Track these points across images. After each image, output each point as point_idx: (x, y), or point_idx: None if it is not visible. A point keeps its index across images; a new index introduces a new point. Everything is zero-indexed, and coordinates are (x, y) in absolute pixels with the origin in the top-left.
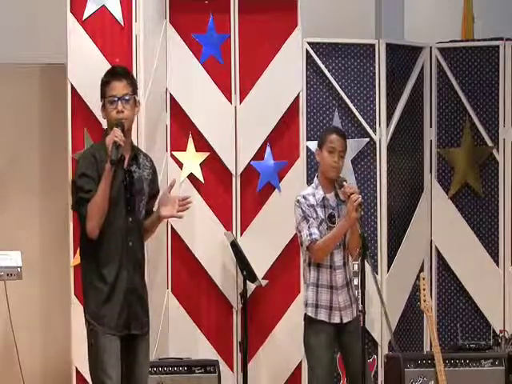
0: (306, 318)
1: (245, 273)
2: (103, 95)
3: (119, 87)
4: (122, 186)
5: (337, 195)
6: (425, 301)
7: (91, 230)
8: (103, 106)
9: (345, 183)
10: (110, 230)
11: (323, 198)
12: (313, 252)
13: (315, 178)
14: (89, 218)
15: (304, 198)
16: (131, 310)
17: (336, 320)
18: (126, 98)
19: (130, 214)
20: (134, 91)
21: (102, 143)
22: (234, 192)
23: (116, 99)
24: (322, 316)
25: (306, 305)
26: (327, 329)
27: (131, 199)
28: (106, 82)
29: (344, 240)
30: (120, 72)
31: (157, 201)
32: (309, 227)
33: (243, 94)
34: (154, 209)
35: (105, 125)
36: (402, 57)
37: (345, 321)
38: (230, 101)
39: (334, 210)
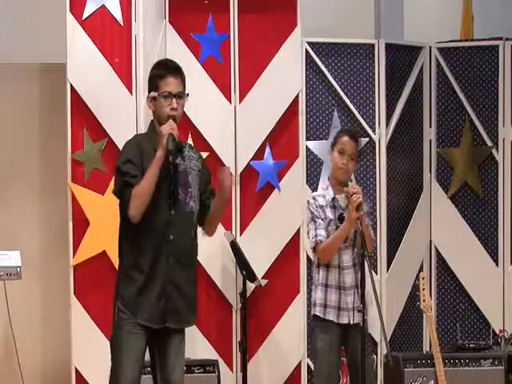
0: (314, 318)
1: (244, 272)
2: (155, 88)
3: (175, 84)
4: (165, 179)
5: (347, 196)
6: (424, 300)
7: (134, 214)
8: (153, 98)
9: (349, 183)
10: (150, 221)
11: (333, 199)
12: (317, 253)
13: (326, 180)
14: (133, 202)
15: (314, 198)
16: (169, 303)
17: (344, 321)
18: (181, 95)
19: (173, 206)
20: (185, 88)
21: (147, 134)
22: (234, 192)
23: (171, 96)
24: (331, 316)
25: (315, 305)
26: (335, 329)
27: (174, 192)
28: (160, 76)
29: (354, 240)
30: (176, 68)
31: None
32: (316, 228)
33: (243, 94)
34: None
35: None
36: (402, 57)
37: (352, 322)
38: (230, 100)
39: (344, 210)
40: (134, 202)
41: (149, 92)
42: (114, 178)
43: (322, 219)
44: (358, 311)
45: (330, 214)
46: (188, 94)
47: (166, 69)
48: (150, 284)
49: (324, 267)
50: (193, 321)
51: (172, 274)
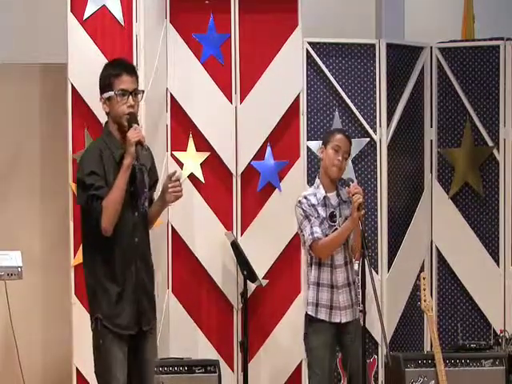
0: (307, 317)
1: (245, 273)
2: (109, 87)
3: (130, 81)
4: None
5: (338, 195)
6: (425, 300)
7: (108, 227)
8: (108, 99)
9: (351, 183)
10: (118, 226)
11: (324, 198)
12: (316, 250)
13: (316, 179)
14: (105, 214)
15: (305, 198)
16: (140, 306)
17: (336, 319)
18: (137, 93)
19: (136, 208)
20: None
21: (103, 139)
22: (235, 192)
23: (128, 93)
24: (323, 315)
25: (307, 304)
26: (327, 328)
27: (135, 193)
28: (115, 75)
29: (346, 240)
30: (130, 66)
31: (157, 188)
32: (311, 226)
33: (243, 94)
34: (155, 196)
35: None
36: (403, 57)
37: (344, 321)
38: (231, 101)
39: (335, 209)
40: (106, 213)
41: (101, 93)
42: (76, 191)
43: (315, 217)
44: (360, 311)
45: (322, 212)
46: (143, 91)
47: (120, 67)
48: (124, 292)
49: (316, 266)
50: (155, 320)
51: (139, 276)
